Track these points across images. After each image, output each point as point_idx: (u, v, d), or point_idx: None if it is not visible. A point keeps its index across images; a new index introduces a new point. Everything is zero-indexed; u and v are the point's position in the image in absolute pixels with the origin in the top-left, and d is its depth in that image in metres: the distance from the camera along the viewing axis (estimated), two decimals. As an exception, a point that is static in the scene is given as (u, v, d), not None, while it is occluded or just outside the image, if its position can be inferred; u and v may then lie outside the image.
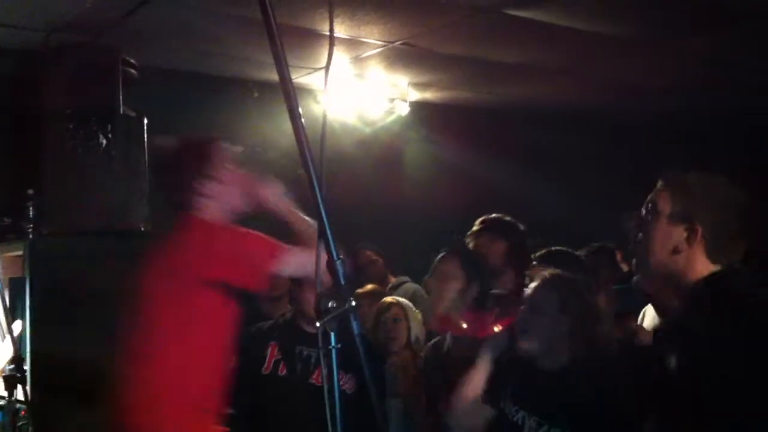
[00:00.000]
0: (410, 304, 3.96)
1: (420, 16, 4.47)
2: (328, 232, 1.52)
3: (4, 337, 3.98)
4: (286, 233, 2.76)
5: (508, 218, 3.68)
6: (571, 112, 6.47)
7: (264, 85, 5.60)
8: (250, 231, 2.69)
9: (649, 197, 2.05)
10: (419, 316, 3.89)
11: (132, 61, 3.97)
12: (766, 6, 4.34)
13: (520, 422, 2.52)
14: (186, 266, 2.58)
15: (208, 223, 2.67)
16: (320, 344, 1.46)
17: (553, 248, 3.30)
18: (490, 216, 3.75)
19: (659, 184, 2.04)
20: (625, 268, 4.25)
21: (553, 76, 5.66)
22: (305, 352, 3.43)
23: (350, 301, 1.46)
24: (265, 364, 3.44)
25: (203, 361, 2.62)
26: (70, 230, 3.69)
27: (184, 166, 2.69)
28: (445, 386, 3.14)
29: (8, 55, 4.15)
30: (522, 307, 2.65)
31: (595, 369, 2.47)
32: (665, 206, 1.97)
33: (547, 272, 2.69)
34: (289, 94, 1.47)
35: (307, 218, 2.77)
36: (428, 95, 6.10)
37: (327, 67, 1.81)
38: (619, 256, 4.32)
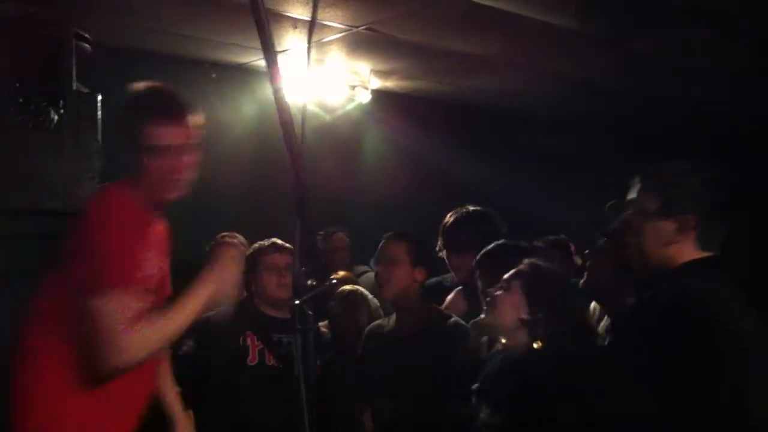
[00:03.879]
0: (367, 293, 3.92)
1: (386, 1, 4.39)
2: (306, 210, 1.45)
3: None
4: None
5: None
6: (530, 107, 6.46)
7: (222, 67, 5.48)
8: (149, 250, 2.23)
9: (630, 198, 2.06)
10: (375, 304, 3.86)
11: (86, 35, 3.81)
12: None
13: None
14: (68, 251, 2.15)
15: (116, 203, 2.17)
16: (297, 323, 1.38)
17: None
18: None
19: (638, 183, 2.05)
20: (578, 261, 4.25)
21: (514, 69, 5.64)
22: (283, 339, 3.41)
23: (330, 280, 1.41)
24: (250, 355, 3.41)
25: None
26: (17, 209, 3.53)
27: (141, 119, 2.21)
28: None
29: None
30: None
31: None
32: (649, 204, 1.99)
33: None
34: (275, 76, 1.40)
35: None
36: (390, 83, 6.03)
37: (309, 48, 1.74)
38: (572, 249, 4.34)
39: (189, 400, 3.45)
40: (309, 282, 1.42)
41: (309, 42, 1.64)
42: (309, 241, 1.44)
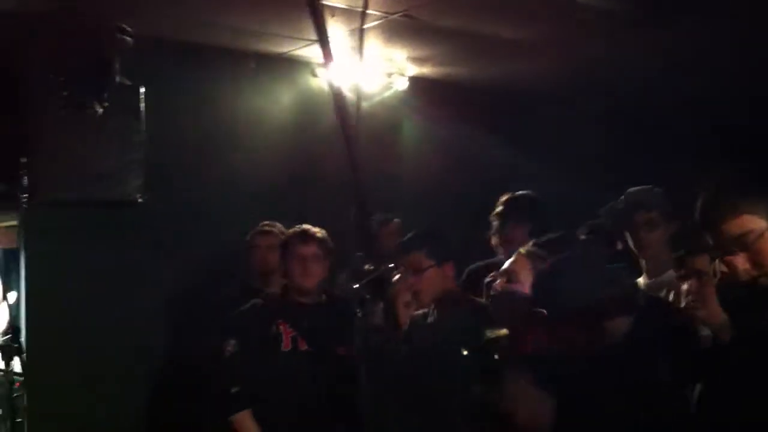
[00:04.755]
0: None
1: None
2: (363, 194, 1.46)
3: None
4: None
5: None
6: (568, 92, 6.39)
7: (261, 58, 5.52)
8: None
9: (728, 235, 1.98)
10: None
11: (127, 28, 3.89)
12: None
13: None
14: None
15: None
16: (356, 306, 1.41)
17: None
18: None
19: (724, 217, 1.98)
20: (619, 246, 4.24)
21: (554, 53, 5.58)
22: (315, 325, 3.47)
23: (387, 264, 1.42)
24: (283, 342, 3.48)
25: None
26: (64, 201, 3.63)
27: None
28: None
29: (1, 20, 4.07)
30: None
31: None
32: (757, 225, 1.95)
33: None
34: (328, 61, 1.42)
35: None
36: (426, 70, 6.02)
37: (361, 33, 1.76)
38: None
39: (248, 397, 3.50)
40: (366, 266, 1.44)
41: (361, 26, 1.65)
42: (366, 227, 1.45)
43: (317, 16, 1.40)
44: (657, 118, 6.32)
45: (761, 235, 1.93)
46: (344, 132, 1.42)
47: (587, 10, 4.70)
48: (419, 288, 3.22)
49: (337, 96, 1.40)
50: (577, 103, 6.32)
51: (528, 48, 5.42)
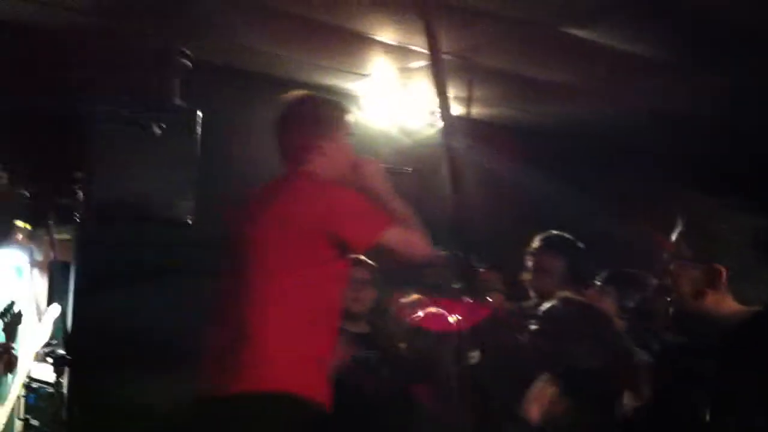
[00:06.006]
0: None
1: (474, 28, 4.46)
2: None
3: (40, 319, 3.99)
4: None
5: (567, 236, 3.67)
6: (610, 136, 6.42)
7: (309, 88, 5.57)
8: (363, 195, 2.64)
9: (673, 238, 2.00)
10: None
11: (187, 52, 3.98)
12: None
13: None
14: (304, 216, 2.52)
15: (323, 179, 2.64)
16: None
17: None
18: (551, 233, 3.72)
19: (679, 224, 1.99)
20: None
21: (596, 97, 5.62)
22: (370, 356, 3.41)
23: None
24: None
25: (317, 314, 2.54)
26: (117, 217, 3.68)
27: (311, 119, 2.70)
28: None
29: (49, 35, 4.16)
30: None
31: None
32: (686, 249, 1.93)
33: None
34: (446, 107, 1.47)
35: (402, 203, 2.72)
36: (472, 110, 6.06)
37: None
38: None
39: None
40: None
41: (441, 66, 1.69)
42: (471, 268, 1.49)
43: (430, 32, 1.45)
44: (710, 161, 6.28)
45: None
46: (453, 177, 1.46)
47: (635, 59, 4.75)
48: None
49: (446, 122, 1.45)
50: (625, 146, 6.35)
51: (575, 92, 5.47)
